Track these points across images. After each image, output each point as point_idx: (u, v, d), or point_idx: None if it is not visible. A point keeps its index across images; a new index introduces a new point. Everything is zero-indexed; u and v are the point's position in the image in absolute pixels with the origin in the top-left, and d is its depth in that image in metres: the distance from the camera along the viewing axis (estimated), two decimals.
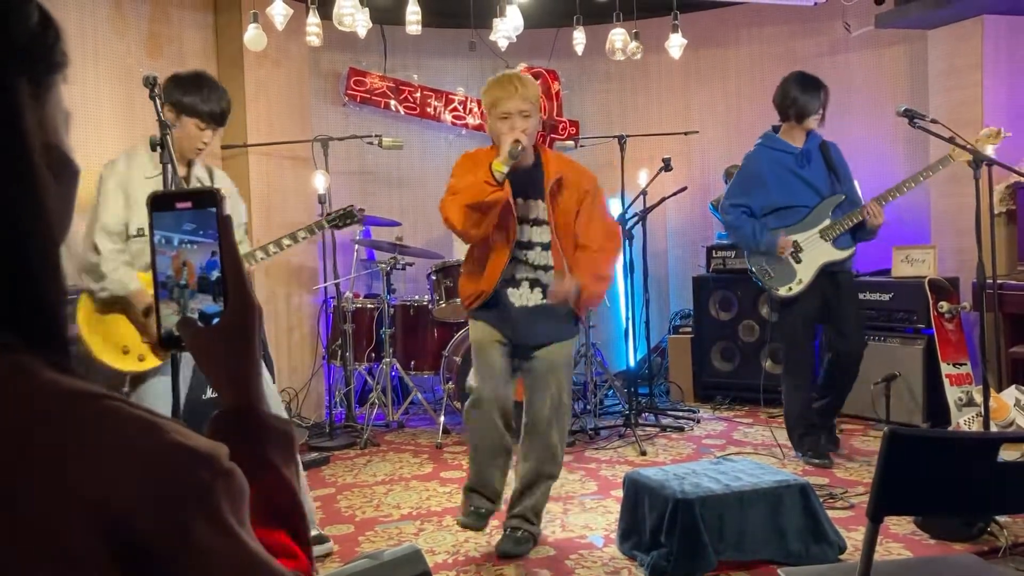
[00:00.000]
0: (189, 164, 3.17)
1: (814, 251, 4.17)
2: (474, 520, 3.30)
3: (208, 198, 0.81)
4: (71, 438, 0.61)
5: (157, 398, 2.91)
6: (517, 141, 3.04)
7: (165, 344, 0.83)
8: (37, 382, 0.63)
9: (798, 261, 4.18)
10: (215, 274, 0.81)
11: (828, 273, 4.18)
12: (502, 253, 3.21)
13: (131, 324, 3.01)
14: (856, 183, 4.55)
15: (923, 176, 4.07)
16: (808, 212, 4.21)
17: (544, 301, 3.25)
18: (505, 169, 3.03)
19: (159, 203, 0.82)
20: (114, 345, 2.99)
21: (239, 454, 0.69)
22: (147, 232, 0.82)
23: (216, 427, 0.82)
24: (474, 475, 3.33)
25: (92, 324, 3.01)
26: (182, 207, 0.81)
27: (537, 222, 3.25)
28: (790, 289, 4.19)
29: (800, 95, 4.18)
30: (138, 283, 2.97)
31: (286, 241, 3.42)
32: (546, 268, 3.26)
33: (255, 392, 0.84)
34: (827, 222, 4.17)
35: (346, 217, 3.88)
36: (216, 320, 0.82)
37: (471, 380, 3.32)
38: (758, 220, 4.25)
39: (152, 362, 3.01)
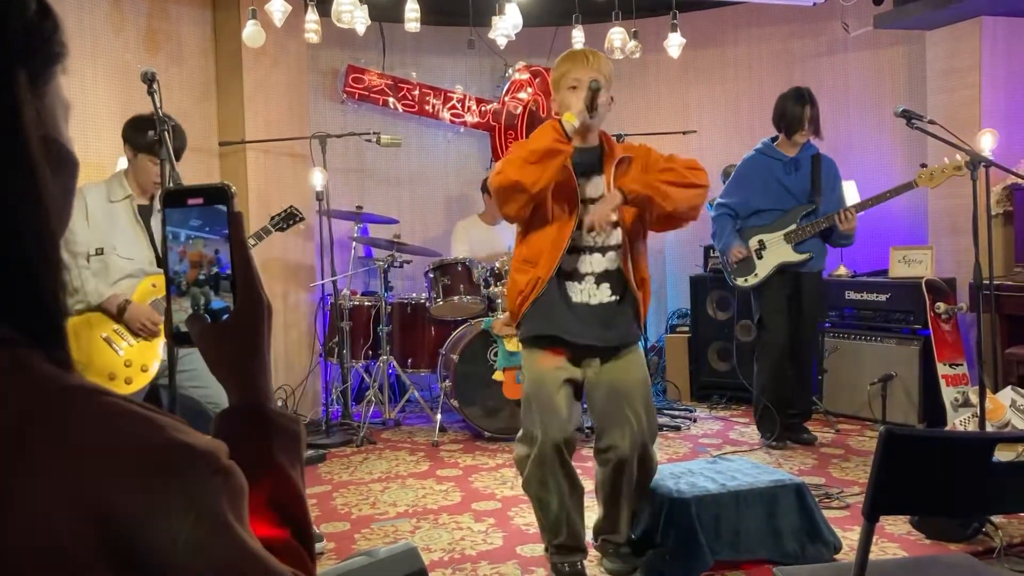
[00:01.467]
0: (152, 199, 3.33)
1: (775, 250, 4.52)
2: None
3: (219, 194, 0.81)
4: (68, 434, 0.61)
5: None
6: (591, 87, 2.68)
7: (175, 340, 0.83)
8: (35, 377, 0.63)
9: (760, 258, 4.55)
10: (225, 270, 0.81)
11: (792, 273, 4.51)
12: (564, 229, 2.79)
13: (110, 348, 3.15)
14: (854, 185, 4.64)
15: (888, 196, 4.30)
16: (781, 215, 4.51)
17: (614, 298, 2.87)
18: (576, 123, 2.68)
19: (171, 199, 0.82)
20: (100, 371, 3.09)
21: (245, 452, 0.68)
22: (107, 251, 0.82)
23: (222, 424, 0.82)
24: (554, 528, 2.95)
25: (78, 351, 3.10)
26: (193, 203, 0.81)
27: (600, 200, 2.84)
28: (746, 280, 4.59)
29: (788, 112, 4.49)
30: (111, 290, 3.14)
31: None
32: (609, 249, 2.87)
33: (263, 389, 0.83)
34: (792, 227, 4.49)
35: (289, 219, 3.94)
36: (225, 316, 0.81)
37: (527, 424, 2.90)
38: (735, 221, 4.62)
39: (139, 384, 3.15)
